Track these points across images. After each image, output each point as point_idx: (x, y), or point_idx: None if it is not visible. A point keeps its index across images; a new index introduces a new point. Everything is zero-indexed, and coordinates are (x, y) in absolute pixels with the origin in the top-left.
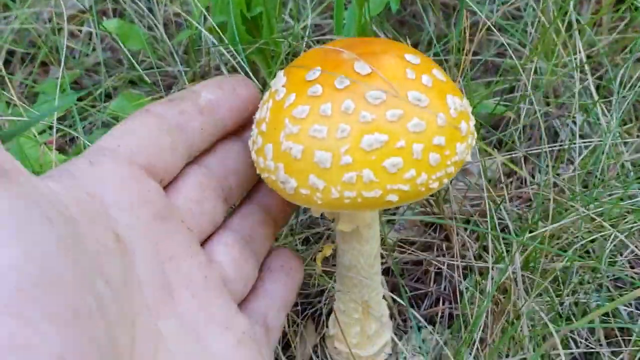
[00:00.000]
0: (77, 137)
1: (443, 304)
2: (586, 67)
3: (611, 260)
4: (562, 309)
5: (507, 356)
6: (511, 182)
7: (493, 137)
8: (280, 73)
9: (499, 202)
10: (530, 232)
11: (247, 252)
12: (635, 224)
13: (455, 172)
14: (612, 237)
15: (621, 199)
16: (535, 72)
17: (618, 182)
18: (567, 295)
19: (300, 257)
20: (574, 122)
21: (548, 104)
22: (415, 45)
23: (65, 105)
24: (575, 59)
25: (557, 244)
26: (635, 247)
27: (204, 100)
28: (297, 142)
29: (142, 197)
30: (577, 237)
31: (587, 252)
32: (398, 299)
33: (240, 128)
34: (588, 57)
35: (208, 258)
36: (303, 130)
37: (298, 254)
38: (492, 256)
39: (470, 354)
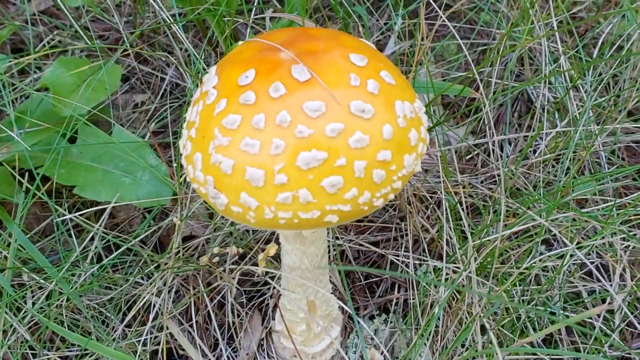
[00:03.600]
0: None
1: (398, 290)
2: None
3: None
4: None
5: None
6: (477, 155)
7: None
8: (213, 70)
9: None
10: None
11: None
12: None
13: (403, 186)
14: (570, 252)
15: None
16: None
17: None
18: (523, 301)
19: None
20: (550, 89)
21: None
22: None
23: None
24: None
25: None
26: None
27: None
28: (227, 156)
29: None
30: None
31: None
32: (345, 307)
33: None
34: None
35: None
36: (234, 143)
37: None
38: (445, 257)
39: (425, 344)
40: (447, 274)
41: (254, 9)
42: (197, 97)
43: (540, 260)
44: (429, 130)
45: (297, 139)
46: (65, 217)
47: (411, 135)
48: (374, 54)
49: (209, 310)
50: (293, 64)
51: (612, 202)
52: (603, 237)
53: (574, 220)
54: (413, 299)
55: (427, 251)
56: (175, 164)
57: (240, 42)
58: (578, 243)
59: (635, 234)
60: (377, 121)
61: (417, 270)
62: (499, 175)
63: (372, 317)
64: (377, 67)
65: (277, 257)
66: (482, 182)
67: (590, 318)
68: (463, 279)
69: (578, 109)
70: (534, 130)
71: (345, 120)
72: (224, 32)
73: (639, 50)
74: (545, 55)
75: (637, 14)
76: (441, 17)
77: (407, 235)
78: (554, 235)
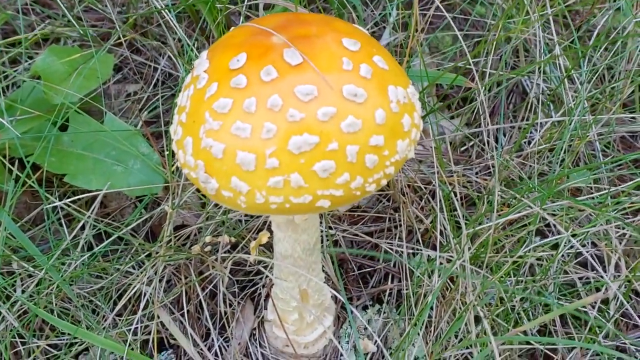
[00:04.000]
0: None
1: (392, 281)
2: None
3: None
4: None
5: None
6: (472, 146)
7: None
8: (204, 54)
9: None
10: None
11: None
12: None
13: (396, 172)
14: (565, 240)
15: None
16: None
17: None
18: (517, 290)
19: None
20: (545, 79)
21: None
22: None
23: None
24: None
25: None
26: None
27: None
28: (218, 140)
29: None
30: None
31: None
32: (339, 296)
33: None
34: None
35: None
36: (224, 127)
37: None
38: (439, 247)
39: (418, 334)
40: (440, 263)
41: None
42: (188, 82)
43: (534, 249)
44: (423, 118)
45: (289, 122)
46: (55, 204)
47: (404, 120)
48: (368, 40)
49: (200, 300)
50: (285, 47)
51: (607, 190)
52: (599, 225)
53: (569, 208)
54: (406, 289)
55: (421, 241)
56: (167, 153)
57: (232, 28)
58: (572, 231)
59: (632, 222)
60: (370, 106)
61: (411, 260)
62: (493, 166)
63: (365, 308)
64: (370, 52)
65: (269, 247)
66: (476, 173)
67: (585, 308)
68: (457, 267)
69: (573, 100)
70: (528, 122)
71: (337, 104)
72: (217, 19)
73: (633, 37)
74: (540, 45)
75: (630, 3)
76: (436, 7)
77: (401, 225)
78: (548, 225)
